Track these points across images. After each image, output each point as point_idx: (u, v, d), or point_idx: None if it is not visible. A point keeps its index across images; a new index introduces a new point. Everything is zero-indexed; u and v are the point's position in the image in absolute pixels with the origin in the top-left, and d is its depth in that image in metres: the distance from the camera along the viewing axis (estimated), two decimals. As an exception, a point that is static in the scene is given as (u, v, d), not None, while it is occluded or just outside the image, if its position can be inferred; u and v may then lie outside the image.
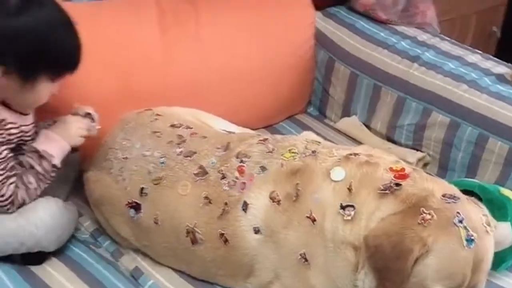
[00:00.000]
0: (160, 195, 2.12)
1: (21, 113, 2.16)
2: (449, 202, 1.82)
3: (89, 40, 2.37)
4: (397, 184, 1.87)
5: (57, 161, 2.16)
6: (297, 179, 1.97)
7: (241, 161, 2.07)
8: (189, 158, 2.13)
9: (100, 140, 2.34)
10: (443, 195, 1.84)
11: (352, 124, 2.89)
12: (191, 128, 2.25)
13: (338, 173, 1.93)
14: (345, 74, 2.91)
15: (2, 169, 2.04)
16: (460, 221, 1.79)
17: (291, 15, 2.92)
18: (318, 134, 2.84)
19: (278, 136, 2.16)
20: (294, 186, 1.96)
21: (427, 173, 1.95)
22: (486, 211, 1.90)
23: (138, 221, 2.16)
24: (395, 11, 2.96)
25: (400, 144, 2.78)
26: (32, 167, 2.12)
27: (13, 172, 2.08)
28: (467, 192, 2.05)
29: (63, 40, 2.06)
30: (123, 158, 2.22)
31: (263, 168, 2.03)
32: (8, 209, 2.08)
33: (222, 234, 2.02)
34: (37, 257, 2.18)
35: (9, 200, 2.07)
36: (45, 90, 2.09)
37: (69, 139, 2.20)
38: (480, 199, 2.13)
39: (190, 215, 2.07)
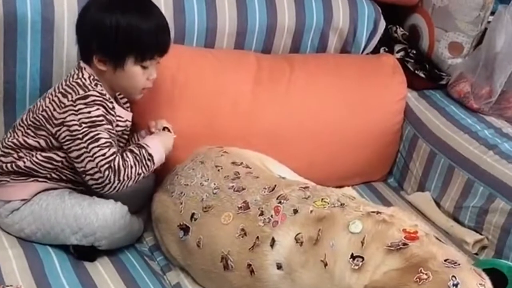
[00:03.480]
0: (206, 222, 2.32)
1: (128, 109, 2.49)
2: (448, 266, 1.89)
3: (188, 80, 2.69)
4: (405, 244, 1.97)
5: (154, 154, 2.39)
6: (321, 225, 2.11)
7: (280, 202, 2.24)
8: (238, 192, 2.33)
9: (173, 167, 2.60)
10: (445, 260, 1.92)
11: (423, 199, 2.98)
12: (250, 168, 2.45)
13: (356, 226, 2.06)
14: (426, 151, 3.02)
15: (109, 137, 2.29)
16: (455, 285, 1.85)
17: (385, 88, 3.06)
18: (387, 202, 2.97)
19: (319, 186, 2.32)
20: (317, 231, 2.11)
21: (439, 240, 2.04)
22: (488, 283, 1.95)
23: (185, 242, 2.37)
24: (487, 102, 3.04)
25: (463, 224, 2.84)
26: (131, 150, 2.38)
27: (116, 146, 2.32)
28: (494, 271, 2.12)
29: (141, 23, 2.31)
30: (185, 184, 2.46)
31: (295, 211, 2.19)
32: (105, 175, 2.26)
33: (249, 265, 2.19)
34: (90, 252, 2.41)
35: (109, 159, 2.25)
36: (138, 74, 2.37)
37: (166, 146, 2.48)
38: (506, 280, 2.18)
39: (226, 243, 2.26)
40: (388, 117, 3.08)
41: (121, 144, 2.52)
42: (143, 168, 2.37)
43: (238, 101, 2.82)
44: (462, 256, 2.02)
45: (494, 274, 2.01)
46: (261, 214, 2.24)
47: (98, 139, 2.26)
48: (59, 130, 2.32)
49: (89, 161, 2.27)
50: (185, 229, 2.37)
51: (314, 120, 2.92)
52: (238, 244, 2.23)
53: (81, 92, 2.29)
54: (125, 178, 2.30)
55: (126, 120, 2.49)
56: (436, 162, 2.97)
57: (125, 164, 2.31)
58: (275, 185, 2.33)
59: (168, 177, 2.59)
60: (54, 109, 2.32)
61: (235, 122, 2.80)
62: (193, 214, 2.37)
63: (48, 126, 2.34)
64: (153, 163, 2.41)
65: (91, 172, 2.28)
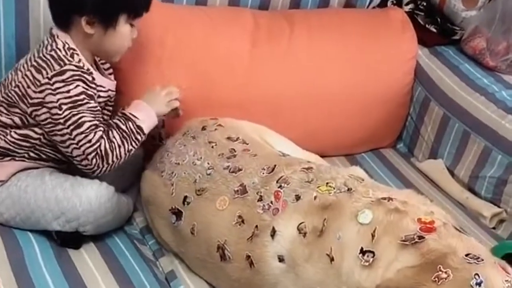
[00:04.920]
0: (200, 206, 2.13)
1: (111, 77, 2.34)
2: (470, 263, 1.70)
3: (178, 43, 2.46)
4: (420, 237, 1.77)
5: (143, 124, 2.23)
6: (326, 214, 1.91)
7: (280, 186, 2.04)
8: (234, 174, 2.13)
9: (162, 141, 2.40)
10: (467, 255, 1.72)
11: (435, 167, 2.78)
12: (247, 144, 2.25)
13: (365, 216, 1.86)
14: (438, 115, 2.82)
15: (93, 117, 2.14)
16: (478, 284, 1.66)
17: (393, 45, 2.85)
18: (398, 172, 2.78)
19: (323, 167, 2.11)
20: (322, 220, 1.90)
21: (458, 230, 1.83)
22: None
23: (178, 228, 2.18)
24: (505, 59, 2.84)
25: (479, 196, 2.65)
26: (117, 126, 2.20)
27: (102, 124, 2.17)
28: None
29: None
30: (176, 163, 2.25)
31: (297, 197, 1.99)
32: (93, 163, 2.14)
33: (248, 256, 2.00)
34: (74, 239, 2.24)
35: (95, 146, 2.12)
36: (127, 33, 2.22)
37: (156, 106, 2.30)
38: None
39: (222, 231, 2.06)
40: (397, 77, 2.86)
41: (105, 117, 2.31)
42: (133, 144, 2.21)
43: (233, 64, 2.61)
44: (484, 248, 1.82)
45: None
46: (260, 199, 2.04)
47: (82, 123, 2.12)
48: (36, 110, 2.14)
49: (75, 148, 2.13)
50: (178, 214, 2.18)
51: (317, 83, 2.71)
52: (236, 233, 2.04)
53: (56, 67, 2.12)
54: (114, 159, 2.17)
55: (109, 90, 2.29)
56: (450, 127, 2.77)
57: (112, 146, 2.15)
58: (275, 165, 2.12)
59: (157, 153, 2.39)
60: (28, 86, 2.14)
61: (231, 88, 2.60)
62: (185, 197, 2.17)
63: (22, 104, 2.17)
64: (143, 134, 2.24)
65: (78, 159, 2.15)
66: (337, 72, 2.73)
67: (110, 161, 2.16)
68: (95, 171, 2.16)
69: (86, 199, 2.20)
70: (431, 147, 2.85)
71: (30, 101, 2.14)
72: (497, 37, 2.84)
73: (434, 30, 2.99)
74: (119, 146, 2.17)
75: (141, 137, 2.23)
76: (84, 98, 2.13)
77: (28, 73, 2.15)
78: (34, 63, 2.15)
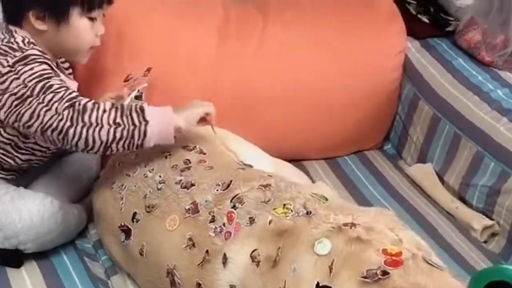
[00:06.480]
0: (149, 225, 1.94)
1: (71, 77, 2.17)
2: (440, 306, 1.48)
3: (139, 36, 2.34)
4: (385, 272, 1.55)
5: (148, 114, 1.91)
6: (281, 242, 1.71)
7: (234, 206, 1.84)
8: (186, 189, 1.94)
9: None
10: None
11: (424, 172, 2.56)
12: (204, 154, 2.06)
13: (323, 247, 1.65)
14: (428, 114, 2.58)
15: (64, 84, 1.94)
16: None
17: (379, 38, 2.61)
18: (382, 177, 2.57)
19: (284, 184, 1.88)
20: (276, 249, 1.70)
21: (429, 263, 1.60)
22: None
23: (127, 247, 2.00)
24: (502, 54, 2.59)
25: (470, 206, 2.42)
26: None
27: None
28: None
29: None
30: (126, 174, 2.08)
31: (251, 220, 1.79)
32: (64, 116, 1.86)
33: (199, 284, 1.81)
34: (16, 258, 2.07)
35: (68, 97, 1.88)
36: (85, 28, 2.03)
37: (184, 115, 2.00)
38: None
39: (172, 254, 1.87)
40: (383, 73, 2.61)
41: None
42: (124, 119, 1.89)
43: (198, 61, 2.42)
44: (459, 286, 1.58)
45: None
46: (212, 220, 1.84)
47: (51, 85, 1.89)
48: None
49: (46, 110, 1.87)
50: (127, 232, 1.99)
51: (293, 82, 2.49)
52: (186, 258, 1.85)
53: (17, 54, 1.94)
54: (92, 121, 1.86)
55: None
56: (440, 129, 2.54)
57: (94, 106, 1.88)
58: (231, 181, 1.91)
59: (110, 160, 2.21)
60: None
61: (195, 86, 2.40)
62: (134, 213, 1.98)
63: None
64: (144, 121, 1.90)
65: (50, 122, 1.87)
66: (315, 68, 2.51)
67: (86, 120, 1.85)
68: (68, 130, 1.85)
69: (27, 214, 2.02)
70: (420, 149, 2.62)
71: None
72: (494, 29, 2.59)
73: (427, 21, 2.74)
74: (104, 111, 1.87)
75: (138, 121, 1.89)
76: (50, 73, 1.93)
77: None
78: None
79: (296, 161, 2.52)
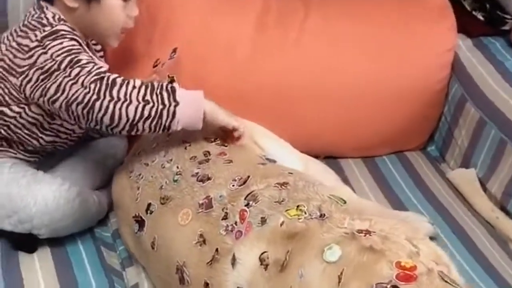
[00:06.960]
0: (162, 218, 1.87)
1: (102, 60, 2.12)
2: (452, 329, 1.36)
3: (172, 21, 2.32)
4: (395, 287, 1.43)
5: (178, 93, 1.84)
6: (291, 245, 1.61)
7: (247, 204, 1.75)
8: (201, 183, 1.86)
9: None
10: None
11: (466, 178, 2.42)
12: (225, 146, 1.97)
13: (332, 253, 1.54)
14: (474, 118, 2.44)
15: (92, 59, 1.90)
16: None
17: (427, 35, 2.47)
18: (421, 180, 2.44)
19: (301, 183, 1.78)
20: (286, 253, 1.60)
21: (446, 281, 1.48)
22: None
23: (140, 239, 1.93)
24: (563, 55, 2.43)
25: (512, 217, 2.27)
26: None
27: None
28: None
29: None
30: (145, 163, 2.02)
31: (263, 220, 1.69)
32: (91, 88, 1.80)
33: (207, 284, 1.72)
34: (29, 242, 2.03)
35: (96, 71, 1.83)
36: (117, 8, 1.99)
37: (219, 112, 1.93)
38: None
39: (183, 250, 1.80)
40: (430, 71, 2.47)
41: None
42: (154, 97, 1.82)
43: (233, 49, 2.33)
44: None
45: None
46: (225, 217, 1.76)
47: (79, 60, 1.85)
48: (26, 77, 1.90)
49: (72, 84, 1.82)
50: (140, 223, 1.93)
51: (331, 75, 2.38)
52: (196, 254, 1.76)
53: (46, 29, 1.91)
54: (121, 96, 1.80)
55: None
56: (486, 133, 2.39)
57: (123, 81, 1.82)
58: (248, 176, 1.82)
59: (134, 147, 2.15)
60: (15, 56, 1.93)
61: (229, 76, 2.32)
62: (149, 204, 1.92)
63: (10, 77, 1.94)
64: (174, 102, 1.83)
65: (76, 95, 1.81)
66: (357, 64, 2.39)
67: (114, 94, 1.79)
68: (95, 103, 1.79)
69: (42, 199, 1.97)
70: (464, 153, 2.49)
71: (19, 70, 1.91)
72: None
73: (481, 18, 2.59)
74: (134, 87, 1.81)
75: (168, 100, 1.82)
76: (80, 49, 1.88)
77: (13, 43, 1.94)
78: (21, 33, 1.94)
79: (332, 158, 2.43)
